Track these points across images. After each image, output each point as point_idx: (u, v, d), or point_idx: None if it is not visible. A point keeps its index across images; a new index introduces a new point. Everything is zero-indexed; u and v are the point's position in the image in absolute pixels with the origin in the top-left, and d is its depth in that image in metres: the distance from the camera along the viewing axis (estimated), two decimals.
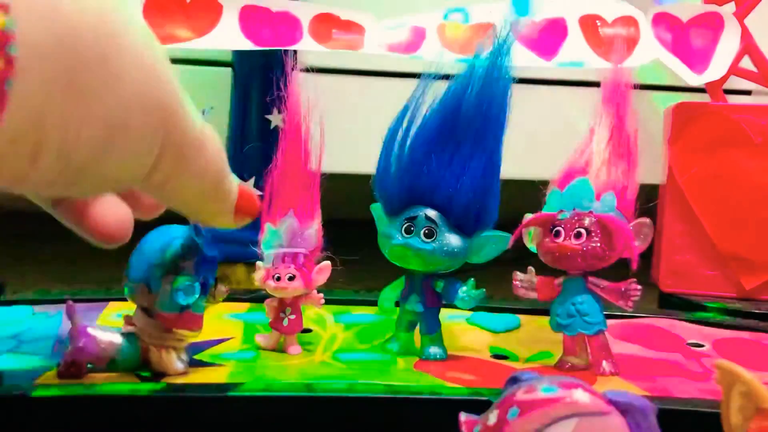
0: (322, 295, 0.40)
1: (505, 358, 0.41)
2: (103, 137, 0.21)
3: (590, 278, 0.38)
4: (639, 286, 0.37)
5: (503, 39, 0.39)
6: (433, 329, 0.40)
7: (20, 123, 0.19)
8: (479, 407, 0.23)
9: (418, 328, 0.41)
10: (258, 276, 0.40)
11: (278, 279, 0.39)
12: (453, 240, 0.38)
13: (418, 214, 0.38)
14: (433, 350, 0.40)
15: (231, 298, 0.48)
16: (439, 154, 0.39)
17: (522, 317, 0.48)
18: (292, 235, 0.40)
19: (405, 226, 0.38)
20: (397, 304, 0.41)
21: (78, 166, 0.21)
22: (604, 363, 0.38)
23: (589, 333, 0.38)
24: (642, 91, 0.60)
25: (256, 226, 0.40)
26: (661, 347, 0.43)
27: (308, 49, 0.52)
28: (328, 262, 0.40)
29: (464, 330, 0.46)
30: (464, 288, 0.39)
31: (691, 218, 0.54)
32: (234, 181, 0.27)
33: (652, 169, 0.56)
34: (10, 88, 0.18)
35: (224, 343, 0.41)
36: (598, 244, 0.37)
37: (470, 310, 0.47)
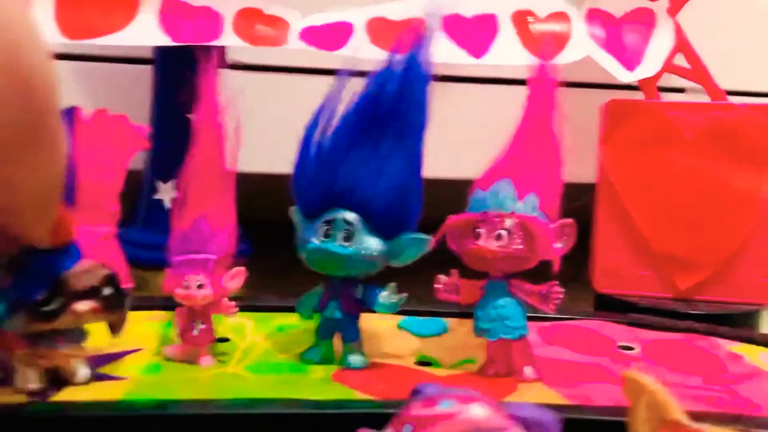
0: (234, 303, 0.38)
1: (429, 365, 0.40)
2: None
3: (513, 281, 0.37)
4: (561, 289, 0.36)
5: (422, 35, 0.38)
6: (353, 336, 0.39)
7: None
8: (387, 420, 0.22)
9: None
10: (165, 283, 0.38)
11: (187, 287, 0.37)
12: (372, 243, 0.37)
13: (336, 216, 0.37)
14: (354, 358, 0.38)
15: (147, 306, 0.45)
16: (358, 154, 0.37)
17: (453, 321, 0.46)
18: (202, 239, 0.38)
19: (323, 229, 0.37)
20: (317, 310, 0.40)
21: None
22: (526, 369, 0.37)
23: (510, 338, 0.37)
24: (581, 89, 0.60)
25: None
26: (590, 350, 0.42)
27: (230, 44, 0.50)
28: (242, 268, 0.39)
29: (393, 335, 0.44)
30: (384, 293, 0.38)
31: (624, 217, 0.54)
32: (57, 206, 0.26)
33: (592, 168, 0.55)
34: None
35: (132, 355, 0.39)
36: (520, 246, 0.36)
37: (400, 314, 0.46)
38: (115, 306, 0.33)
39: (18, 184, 0.22)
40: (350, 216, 0.37)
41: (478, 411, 0.22)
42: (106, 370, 0.36)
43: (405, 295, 0.38)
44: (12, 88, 0.20)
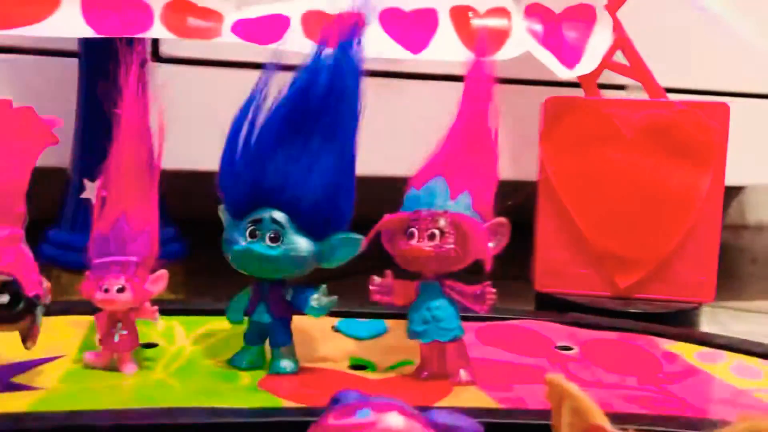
0: (156, 308, 0.37)
1: (363, 368, 0.39)
2: None
3: (447, 282, 0.36)
4: (494, 290, 0.35)
5: (355, 27, 0.37)
6: (283, 341, 0.37)
7: None
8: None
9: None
10: (83, 287, 0.36)
11: (106, 291, 0.35)
12: (301, 244, 0.36)
13: (263, 216, 0.35)
14: (283, 363, 0.37)
15: (72, 310, 0.43)
16: (286, 151, 0.36)
17: (395, 322, 0.45)
18: (122, 241, 0.36)
19: (249, 229, 0.35)
20: (247, 314, 0.38)
21: None
22: (461, 372, 0.36)
23: (444, 340, 0.36)
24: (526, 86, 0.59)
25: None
26: (528, 351, 0.42)
27: (159, 37, 0.48)
28: (164, 271, 0.37)
29: (328, 338, 0.43)
30: (315, 295, 0.37)
31: (564, 215, 0.53)
32: None
33: (535, 166, 0.55)
34: None
35: (51, 363, 0.37)
36: (452, 246, 0.35)
37: (337, 316, 0.45)
38: (15, 315, 0.31)
39: None
40: (278, 215, 0.35)
41: (394, 420, 0.21)
42: (21, 379, 0.35)
43: (336, 297, 0.37)
44: None
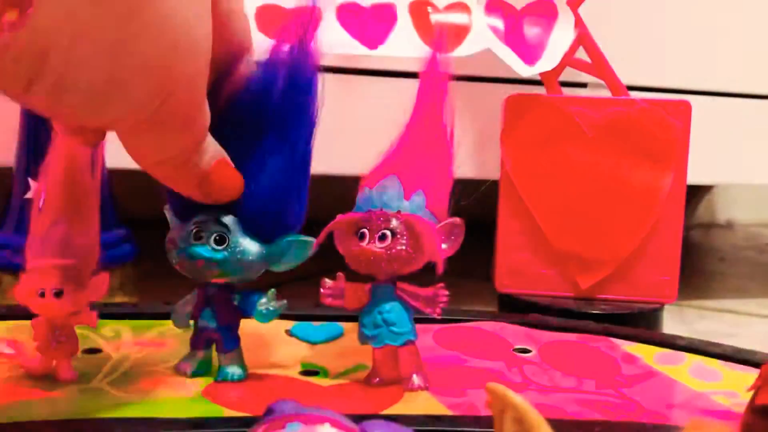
0: (95, 313, 0.35)
1: (315, 374, 0.38)
2: (108, 83, 0.22)
3: (399, 284, 0.35)
4: (446, 292, 0.34)
5: (309, 23, 0.35)
6: (230, 346, 0.36)
7: (30, 44, 0.19)
8: None
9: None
10: (18, 291, 0.34)
11: (42, 295, 0.34)
12: (248, 246, 0.34)
13: (208, 218, 0.34)
14: (230, 370, 0.36)
15: (12, 315, 0.42)
16: (234, 149, 0.34)
17: (349, 325, 0.44)
18: (61, 243, 0.35)
19: (194, 231, 0.34)
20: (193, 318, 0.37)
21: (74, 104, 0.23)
22: (414, 377, 0.35)
23: (396, 344, 0.35)
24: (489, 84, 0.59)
25: None
26: (486, 354, 0.41)
27: None
28: (105, 274, 0.35)
29: (280, 343, 0.42)
30: (263, 299, 0.35)
31: (525, 215, 0.52)
32: (209, 153, 0.30)
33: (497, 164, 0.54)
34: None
35: None
36: (404, 247, 0.34)
37: (291, 319, 0.44)
38: None
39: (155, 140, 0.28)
40: (224, 217, 0.34)
41: None
42: None
43: (285, 302, 0.36)
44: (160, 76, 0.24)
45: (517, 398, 0.21)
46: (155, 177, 0.31)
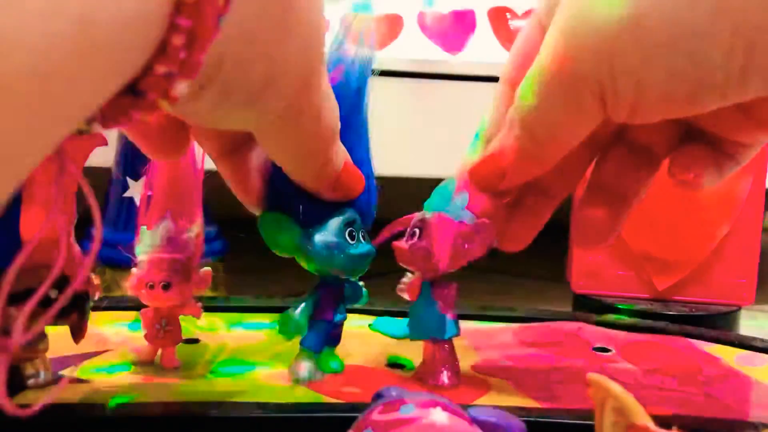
0: (200, 304, 0.37)
1: (401, 366, 0.39)
2: (263, 82, 0.24)
3: (435, 282, 0.36)
4: (454, 293, 0.36)
5: (365, 29, 0.36)
6: (337, 340, 0.38)
7: (211, 53, 0.20)
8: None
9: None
10: (130, 283, 0.37)
11: (152, 287, 0.36)
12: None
13: (349, 217, 0.34)
14: (335, 362, 0.37)
15: (118, 306, 0.45)
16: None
17: None
18: (168, 239, 0.37)
19: (348, 231, 0.34)
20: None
21: (232, 105, 0.24)
22: (443, 373, 0.36)
23: (422, 339, 0.36)
24: None
25: None
26: (566, 353, 0.42)
27: None
28: (209, 269, 0.38)
29: (364, 337, 0.43)
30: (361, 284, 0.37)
31: None
32: (340, 154, 0.31)
33: None
34: (221, 24, 0.19)
35: (99, 357, 0.38)
36: (423, 245, 0.34)
37: (371, 314, 0.45)
38: (64, 310, 0.31)
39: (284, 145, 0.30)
40: (354, 214, 0.35)
41: (439, 416, 0.22)
42: (68, 372, 0.36)
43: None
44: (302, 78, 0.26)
45: (618, 388, 0.22)
46: (295, 178, 0.32)
